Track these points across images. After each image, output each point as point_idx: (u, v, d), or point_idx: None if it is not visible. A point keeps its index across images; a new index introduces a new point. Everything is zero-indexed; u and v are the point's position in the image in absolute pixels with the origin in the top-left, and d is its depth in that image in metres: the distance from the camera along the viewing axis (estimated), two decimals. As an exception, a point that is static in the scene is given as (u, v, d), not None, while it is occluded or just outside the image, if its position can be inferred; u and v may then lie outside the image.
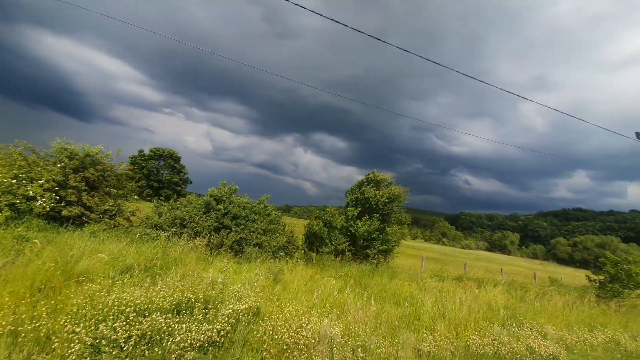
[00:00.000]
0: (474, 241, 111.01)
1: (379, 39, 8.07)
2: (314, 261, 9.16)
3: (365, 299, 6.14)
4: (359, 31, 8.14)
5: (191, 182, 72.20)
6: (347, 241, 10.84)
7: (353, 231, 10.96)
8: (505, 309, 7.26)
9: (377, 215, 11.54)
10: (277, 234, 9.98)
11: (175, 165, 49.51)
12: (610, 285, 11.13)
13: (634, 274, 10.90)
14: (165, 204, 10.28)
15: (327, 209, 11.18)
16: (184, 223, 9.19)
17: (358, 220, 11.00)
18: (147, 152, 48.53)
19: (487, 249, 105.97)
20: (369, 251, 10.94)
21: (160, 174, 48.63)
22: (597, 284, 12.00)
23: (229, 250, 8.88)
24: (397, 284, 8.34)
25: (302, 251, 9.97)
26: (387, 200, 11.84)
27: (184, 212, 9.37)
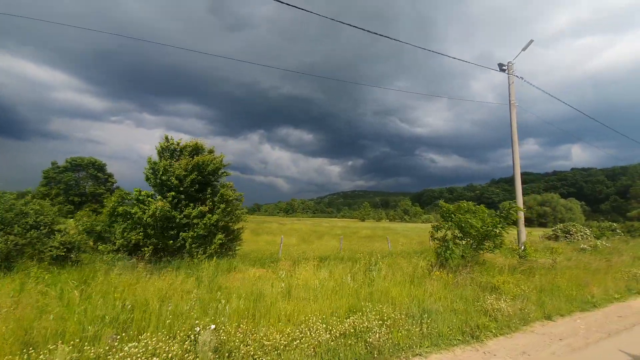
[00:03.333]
0: (433, 215, 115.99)
1: (341, 22, 7.86)
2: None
3: None
4: (316, 14, 8.08)
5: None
6: (139, 231, 8.23)
7: (141, 216, 8.33)
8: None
9: (182, 195, 9.28)
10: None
11: (99, 174, 44.98)
12: (445, 246, 8.52)
13: (469, 227, 8.36)
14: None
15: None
16: None
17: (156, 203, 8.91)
18: (63, 163, 43.65)
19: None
20: (178, 242, 8.86)
21: (81, 187, 44.04)
22: (440, 244, 9.12)
23: None
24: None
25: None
26: (195, 175, 9.45)
27: None
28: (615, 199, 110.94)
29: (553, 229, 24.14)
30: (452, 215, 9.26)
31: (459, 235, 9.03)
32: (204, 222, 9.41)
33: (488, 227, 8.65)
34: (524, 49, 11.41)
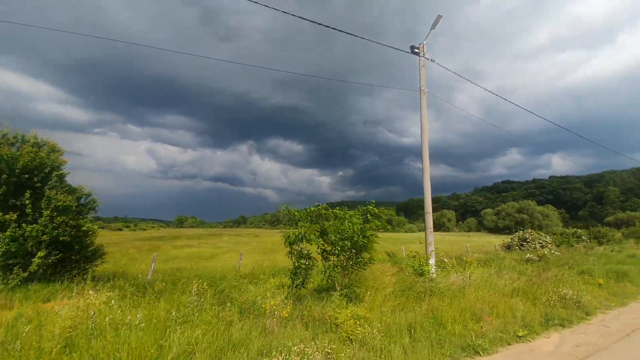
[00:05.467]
0: (416, 224, 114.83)
1: (334, 28, 5.46)
2: None
3: None
4: (311, 21, 7.95)
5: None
6: None
7: None
8: None
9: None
10: None
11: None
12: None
13: (335, 235, 6.02)
14: None
15: None
16: None
17: None
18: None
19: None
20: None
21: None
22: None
23: None
24: None
25: None
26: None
27: None
28: (592, 205, 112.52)
29: (511, 237, 22.50)
30: (317, 221, 6.98)
31: (328, 248, 6.88)
32: (9, 234, 7.36)
33: (354, 234, 6.32)
34: (432, 27, 9.78)
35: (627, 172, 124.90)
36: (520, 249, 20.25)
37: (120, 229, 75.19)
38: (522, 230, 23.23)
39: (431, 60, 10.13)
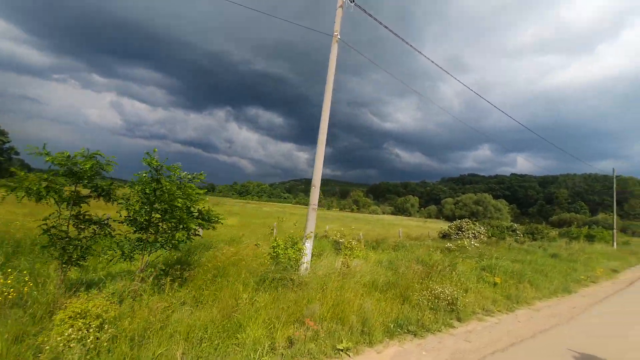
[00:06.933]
0: (381, 206, 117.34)
1: None
2: None
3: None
4: None
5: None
6: None
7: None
8: None
9: None
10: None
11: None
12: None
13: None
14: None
15: None
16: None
17: None
18: None
19: (393, 213, 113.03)
20: None
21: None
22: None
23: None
24: None
25: None
26: None
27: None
28: (542, 204, 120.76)
29: (449, 225, 22.21)
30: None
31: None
32: None
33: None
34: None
35: (578, 177, 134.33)
36: (455, 237, 19.85)
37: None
38: (471, 220, 22.98)
39: (352, 2, 7.95)
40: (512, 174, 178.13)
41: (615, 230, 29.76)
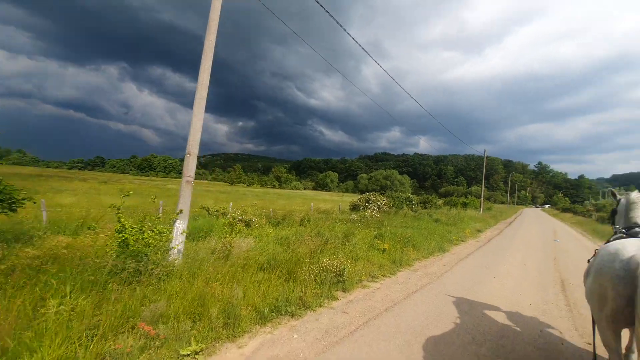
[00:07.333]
0: (303, 182, 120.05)
1: None
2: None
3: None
4: None
5: None
6: None
7: None
8: None
9: None
10: None
11: None
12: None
13: None
14: None
15: None
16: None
17: None
18: None
19: (314, 189, 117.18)
20: None
21: None
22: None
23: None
24: None
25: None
26: None
27: None
28: (434, 179, 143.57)
29: (359, 197, 23.75)
30: None
31: None
32: None
33: None
34: None
35: (461, 157, 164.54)
36: (363, 209, 21.16)
37: None
38: (379, 193, 24.78)
39: None
40: (415, 153, 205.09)
41: (482, 199, 37.25)
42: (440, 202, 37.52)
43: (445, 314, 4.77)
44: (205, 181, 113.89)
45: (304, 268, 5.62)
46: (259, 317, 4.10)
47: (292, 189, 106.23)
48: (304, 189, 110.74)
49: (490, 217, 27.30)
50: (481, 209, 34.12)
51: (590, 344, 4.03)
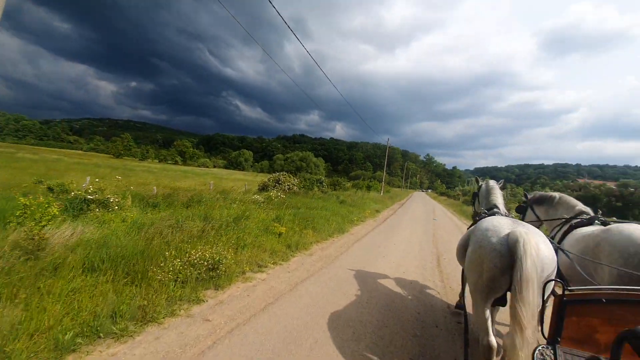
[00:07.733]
0: (213, 160, 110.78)
1: None
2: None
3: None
4: None
5: None
6: None
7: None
8: None
9: None
10: None
11: None
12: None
13: None
14: None
15: None
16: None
17: None
18: None
19: (226, 167, 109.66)
20: None
21: None
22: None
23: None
24: None
25: None
26: None
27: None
28: (346, 163, 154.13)
29: (268, 177, 22.73)
30: None
31: None
32: None
33: None
34: None
35: (370, 145, 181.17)
36: (273, 189, 20.16)
37: None
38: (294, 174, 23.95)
39: None
40: (331, 138, 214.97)
41: (383, 183, 41.37)
42: (349, 184, 39.95)
43: (331, 304, 4.27)
44: (80, 151, 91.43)
45: (162, 264, 4.25)
46: (54, 346, 2.63)
47: (199, 166, 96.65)
48: (214, 166, 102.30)
49: (388, 199, 30.40)
50: (382, 192, 37.81)
51: (460, 322, 4.11)
